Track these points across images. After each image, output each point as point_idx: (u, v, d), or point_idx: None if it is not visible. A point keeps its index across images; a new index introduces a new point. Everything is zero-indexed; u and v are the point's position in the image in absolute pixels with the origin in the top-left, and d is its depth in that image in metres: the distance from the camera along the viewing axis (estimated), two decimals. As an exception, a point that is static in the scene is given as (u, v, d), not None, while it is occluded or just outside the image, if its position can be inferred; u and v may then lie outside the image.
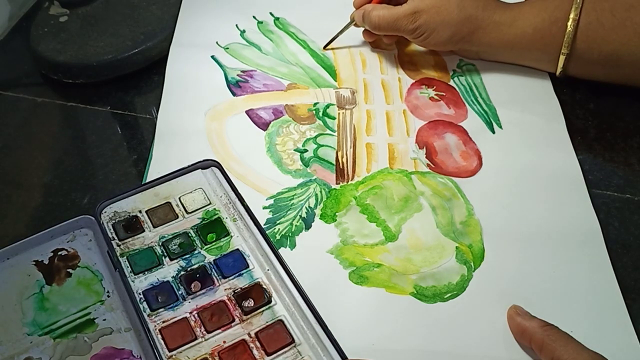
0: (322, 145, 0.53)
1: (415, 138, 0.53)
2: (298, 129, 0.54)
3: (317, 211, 0.48)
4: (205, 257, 0.43)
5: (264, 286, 0.42)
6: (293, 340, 0.39)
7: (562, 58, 0.53)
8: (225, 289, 0.42)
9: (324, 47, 0.61)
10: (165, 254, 0.43)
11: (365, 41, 0.62)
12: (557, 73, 0.55)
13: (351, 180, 0.50)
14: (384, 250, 0.45)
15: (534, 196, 0.48)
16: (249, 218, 0.45)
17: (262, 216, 0.47)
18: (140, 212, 0.46)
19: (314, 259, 0.45)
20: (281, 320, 0.40)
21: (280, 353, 0.39)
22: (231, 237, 0.45)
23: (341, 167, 0.51)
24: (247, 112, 0.55)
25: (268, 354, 0.38)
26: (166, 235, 0.44)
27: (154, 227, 0.45)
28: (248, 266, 0.43)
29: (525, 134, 0.53)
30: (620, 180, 0.49)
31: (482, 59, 0.59)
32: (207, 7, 0.66)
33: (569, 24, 0.51)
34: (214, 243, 0.44)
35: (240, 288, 0.42)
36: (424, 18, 0.53)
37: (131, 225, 0.45)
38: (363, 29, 0.60)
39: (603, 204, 0.48)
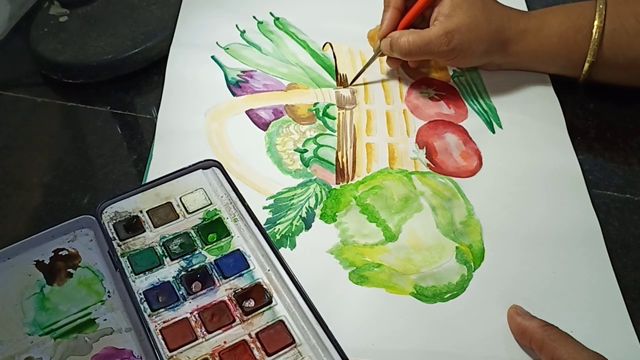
0: (322, 145, 0.53)
1: (415, 138, 0.53)
2: (298, 129, 0.54)
3: (317, 211, 0.48)
4: (206, 258, 0.43)
5: (265, 286, 0.42)
6: (294, 341, 0.39)
7: (587, 65, 0.52)
8: (226, 289, 0.42)
9: (350, 84, 0.58)
10: (166, 254, 0.44)
11: (365, 41, 0.62)
12: (580, 80, 0.54)
13: (351, 180, 0.50)
14: (384, 250, 0.45)
15: (534, 196, 0.48)
16: (249, 218, 0.45)
17: (262, 216, 0.47)
18: (141, 212, 0.46)
19: (314, 259, 0.45)
20: (282, 321, 0.40)
21: (281, 353, 0.39)
22: (232, 237, 0.45)
23: (341, 167, 0.51)
24: (247, 112, 0.55)
25: (269, 355, 0.38)
26: (167, 236, 0.44)
27: (155, 227, 0.45)
28: (249, 266, 0.43)
29: (525, 134, 0.53)
30: (620, 180, 0.50)
31: (502, 69, 0.57)
32: (207, 7, 0.65)
33: (594, 31, 0.50)
34: (214, 243, 0.44)
35: (241, 288, 0.42)
36: (458, 38, 0.51)
37: (132, 225, 0.45)
38: (376, 54, 0.57)
39: (603, 204, 0.48)
